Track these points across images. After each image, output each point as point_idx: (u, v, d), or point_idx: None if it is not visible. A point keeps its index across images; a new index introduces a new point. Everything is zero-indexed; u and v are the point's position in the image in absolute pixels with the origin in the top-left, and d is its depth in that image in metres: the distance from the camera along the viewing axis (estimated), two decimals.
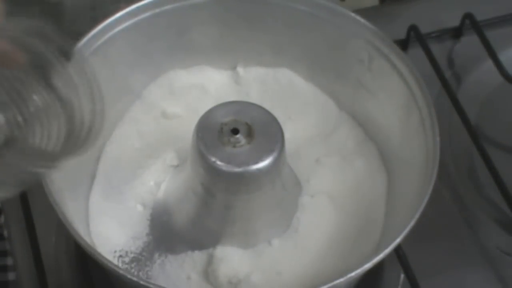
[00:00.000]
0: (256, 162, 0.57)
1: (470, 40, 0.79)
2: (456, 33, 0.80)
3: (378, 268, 0.63)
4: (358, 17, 0.65)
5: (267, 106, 0.62)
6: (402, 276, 0.66)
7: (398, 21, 0.79)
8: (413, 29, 0.77)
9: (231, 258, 0.60)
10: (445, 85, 0.74)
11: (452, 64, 0.79)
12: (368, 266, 0.54)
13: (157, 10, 0.65)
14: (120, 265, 0.61)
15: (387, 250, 0.55)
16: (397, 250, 0.64)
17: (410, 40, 0.78)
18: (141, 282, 0.53)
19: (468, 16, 0.78)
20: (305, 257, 0.61)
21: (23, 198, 0.67)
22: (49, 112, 0.48)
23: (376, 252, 0.55)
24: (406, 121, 0.63)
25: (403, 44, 0.77)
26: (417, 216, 0.55)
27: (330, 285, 0.53)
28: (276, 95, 0.69)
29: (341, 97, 0.69)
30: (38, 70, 0.48)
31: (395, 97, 0.64)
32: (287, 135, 0.60)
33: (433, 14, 0.81)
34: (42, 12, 0.73)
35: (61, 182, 0.58)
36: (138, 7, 0.64)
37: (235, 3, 0.66)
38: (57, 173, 0.57)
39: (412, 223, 0.55)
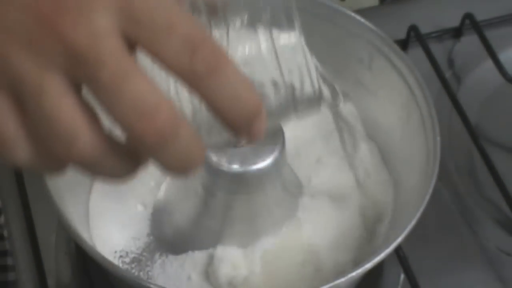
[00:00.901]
0: (257, 162, 0.57)
1: (470, 40, 0.79)
2: (456, 33, 0.80)
3: (378, 268, 0.63)
4: (358, 17, 0.65)
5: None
6: (402, 276, 0.66)
7: (398, 21, 0.79)
8: (413, 29, 0.77)
9: (232, 258, 0.60)
10: (445, 85, 0.74)
11: (452, 64, 0.79)
12: (368, 266, 0.54)
13: None
14: (120, 265, 0.61)
15: (388, 250, 0.55)
16: (397, 250, 0.64)
17: (410, 40, 0.78)
18: (142, 282, 0.53)
19: (468, 16, 0.78)
20: (306, 258, 0.61)
21: (23, 198, 0.67)
22: None
23: (377, 252, 0.55)
24: (406, 120, 0.63)
25: (403, 44, 0.77)
26: (417, 216, 0.55)
27: (331, 285, 0.53)
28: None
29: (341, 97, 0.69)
30: None
31: (395, 97, 0.64)
32: (287, 135, 0.60)
33: (433, 14, 0.81)
34: None
35: (61, 182, 0.58)
36: None
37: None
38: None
39: (412, 223, 0.55)
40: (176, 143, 0.39)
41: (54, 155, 0.40)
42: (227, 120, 0.41)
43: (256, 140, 0.43)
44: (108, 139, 0.40)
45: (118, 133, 0.40)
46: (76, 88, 0.39)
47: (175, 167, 0.40)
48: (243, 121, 0.41)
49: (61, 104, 0.38)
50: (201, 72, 0.39)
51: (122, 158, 0.41)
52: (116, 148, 0.40)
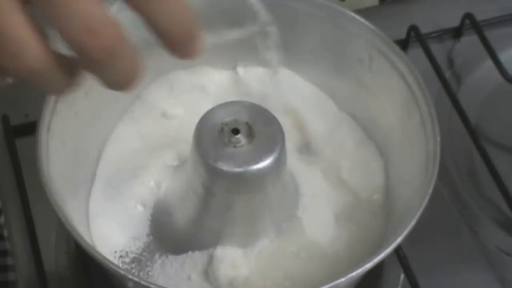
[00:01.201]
0: (257, 162, 0.57)
1: (470, 40, 0.79)
2: (456, 33, 0.80)
3: (378, 268, 0.63)
4: (358, 17, 0.65)
5: (267, 106, 0.62)
6: (402, 276, 0.66)
7: (398, 21, 0.79)
8: (413, 29, 0.77)
9: (231, 258, 0.60)
10: (445, 85, 0.74)
11: (452, 64, 0.79)
12: (368, 266, 0.54)
13: None
14: (120, 265, 0.61)
15: (388, 250, 0.55)
16: (397, 250, 0.64)
17: (410, 40, 0.78)
18: (142, 282, 0.53)
19: (468, 16, 0.78)
20: (306, 257, 0.61)
21: (23, 198, 0.67)
22: None
23: (376, 252, 0.55)
24: (406, 121, 0.63)
25: (403, 44, 0.77)
26: (417, 216, 0.55)
27: (331, 285, 0.53)
28: (276, 95, 0.69)
29: (341, 97, 0.69)
30: None
31: (395, 97, 0.64)
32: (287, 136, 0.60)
33: (433, 14, 0.81)
34: None
35: (61, 182, 0.58)
36: None
37: (235, 3, 0.66)
38: (57, 173, 0.57)
39: (412, 223, 0.55)
40: (120, 59, 0.42)
41: (1, 68, 0.42)
42: (167, 39, 0.44)
43: (192, 58, 0.46)
44: (53, 52, 0.42)
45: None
46: (25, 7, 0.41)
47: (117, 82, 0.44)
48: (182, 40, 0.44)
49: (11, 20, 0.41)
50: None
51: (66, 72, 0.43)
52: (61, 62, 0.43)
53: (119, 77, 0.43)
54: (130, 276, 0.53)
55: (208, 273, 0.61)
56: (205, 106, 0.61)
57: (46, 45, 0.42)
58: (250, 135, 0.58)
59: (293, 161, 0.65)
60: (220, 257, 0.60)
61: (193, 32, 0.45)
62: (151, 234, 0.63)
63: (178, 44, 0.45)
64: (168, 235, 0.63)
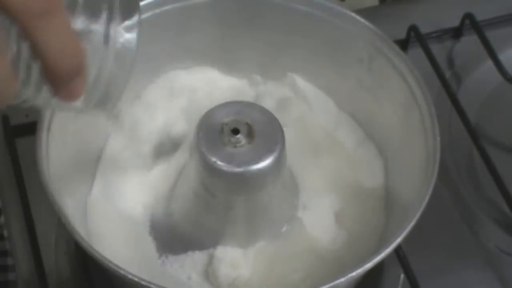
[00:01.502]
0: (257, 162, 0.57)
1: (470, 40, 0.79)
2: (456, 33, 0.80)
3: (378, 268, 0.63)
4: (358, 17, 0.65)
5: (267, 106, 0.62)
6: (402, 276, 0.66)
7: (398, 21, 0.79)
8: (413, 29, 0.77)
9: (231, 258, 0.60)
10: (445, 85, 0.74)
11: (452, 64, 0.79)
12: (368, 266, 0.54)
13: (157, 11, 0.65)
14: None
15: (388, 250, 0.55)
16: (397, 250, 0.64)
17: (410, 40, 0.78)
18: (142, 283, 0.53)
19: (468, 16, 0.78)
20: (306, 257, 0.61)
21: (23, 198, 0.67)
22: None
23: (376, 252, 0.55)
24: (406, 121, 0.63)
25: (403, 44, 0.77)
26: (417, 216, 0.55)
27: (330, 285, 0.53)
28: (276, 95, 0.69)
29: (341, 97, 0.69)
30: None
31: (395, 97, 0.64)
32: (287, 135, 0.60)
33: (433, 14, 0.81)
34: None
35: (61, 182, 0.58)
36: None
37: (235, 4, 0.66)
38: (57, 173, 0.57)
39: (412, 223, 0.55)
40: None
41: None
42: (49, 68, 0.42)
43: (72, 99, 0.44)
44: None
45: None
46: None
47: None
48: (64, 74, 0.43)
49: None
50: (34, 10, 0.41)
51: None
52: None
53: None
54: (130, 276, 0.53)
55: (208, 273, 0.61)
56: (205, 106, 0.61)
57: None
58: (250, 135, 0.58)
59: (293, 161, 0.65)
60: (220, 257, 0.60)
61: (77, 67, 0.43)
62: (151, 234, 0.63)
63: (60, 77, 0.43)
64: (168, 235, 0.63)
